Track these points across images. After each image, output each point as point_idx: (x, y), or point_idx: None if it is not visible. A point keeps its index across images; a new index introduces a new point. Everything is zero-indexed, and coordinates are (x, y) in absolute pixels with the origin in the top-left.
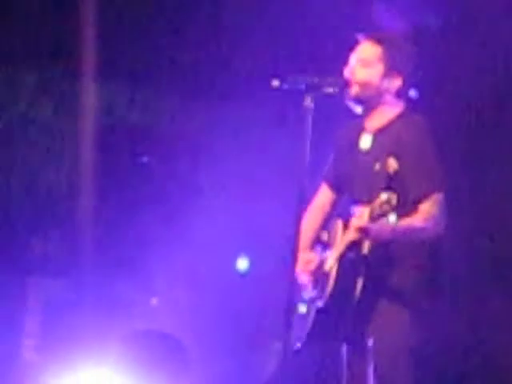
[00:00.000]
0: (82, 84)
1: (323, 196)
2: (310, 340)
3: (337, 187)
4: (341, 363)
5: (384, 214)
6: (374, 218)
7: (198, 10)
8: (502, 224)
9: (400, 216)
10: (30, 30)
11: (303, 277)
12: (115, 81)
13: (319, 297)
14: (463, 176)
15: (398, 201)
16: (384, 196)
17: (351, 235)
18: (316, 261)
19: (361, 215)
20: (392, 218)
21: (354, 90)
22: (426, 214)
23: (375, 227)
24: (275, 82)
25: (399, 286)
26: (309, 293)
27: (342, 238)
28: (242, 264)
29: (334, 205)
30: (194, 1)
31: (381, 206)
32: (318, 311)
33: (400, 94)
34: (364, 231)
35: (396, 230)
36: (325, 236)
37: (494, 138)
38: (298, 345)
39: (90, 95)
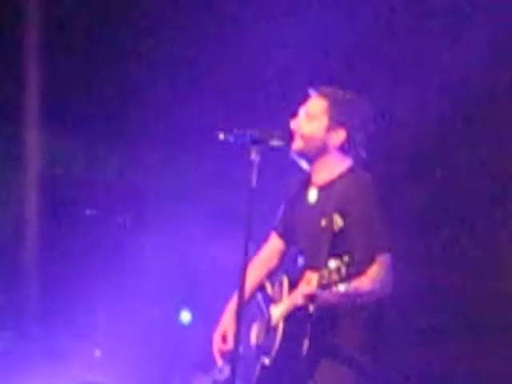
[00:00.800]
0: (26, 134)
1: (272, 246)
2: None
3: (286, 238)
4: None
5: (333, 283)
6: (322, 287)
7: (140, 57)
8: (452, 278)
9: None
10: None
11: (217, 358)
12: (60, 131)
13: (265, 353)
14: (414, 232)
15: (348, 269)
16: (333, 264)
17: (299, 301)
18: (231, 340)
19: (310, 280)
20: (341, 287)
21: (298, 143)
22: (374, 276)
23: (323, 295)
24: (221, 135)
25: (342, 345)
26: (219, 373)
27: (289, 298)
28: (185, 316)
29: (283, 255)
30: (136, 47)
31: (330, 274)
32: (264, 368)
33: (345, 149)
34: (312, 299)
35: (344, 297)
36: (269, 288)
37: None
38: None
39: (35, 146)
